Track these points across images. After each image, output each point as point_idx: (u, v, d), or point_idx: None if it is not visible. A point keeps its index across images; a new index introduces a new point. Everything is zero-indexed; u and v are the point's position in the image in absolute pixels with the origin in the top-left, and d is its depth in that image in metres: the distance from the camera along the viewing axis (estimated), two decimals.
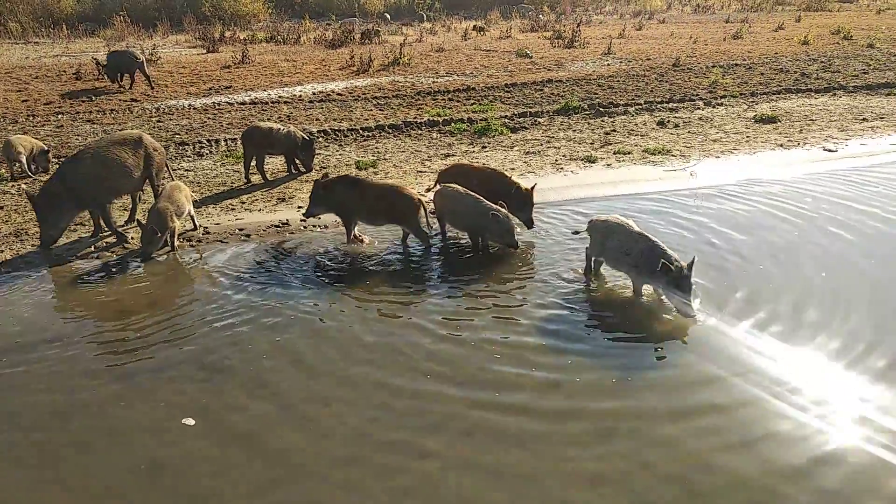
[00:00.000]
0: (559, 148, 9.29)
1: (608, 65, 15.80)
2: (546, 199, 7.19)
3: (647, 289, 5.02)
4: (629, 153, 8.93)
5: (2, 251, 6.17)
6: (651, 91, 12.74)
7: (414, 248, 6.19)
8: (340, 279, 5.56)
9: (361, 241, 6.30)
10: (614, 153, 8.95)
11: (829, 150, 8.98)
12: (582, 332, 4.66)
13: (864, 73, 14.21)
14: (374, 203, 6.10)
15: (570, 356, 4.34)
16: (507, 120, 10.75)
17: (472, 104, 11.98)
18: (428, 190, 6.77)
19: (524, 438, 3.58)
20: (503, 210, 5.83)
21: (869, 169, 8.14)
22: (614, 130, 10.15)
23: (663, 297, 4.83)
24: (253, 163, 8.07)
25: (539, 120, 10.84)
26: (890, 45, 18.02)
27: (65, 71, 15.12)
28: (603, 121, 10.77)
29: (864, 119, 10.59)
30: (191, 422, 3.75)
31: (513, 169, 8.39)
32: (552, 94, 12.66)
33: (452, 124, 10.55)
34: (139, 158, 6.49)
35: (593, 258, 5.37)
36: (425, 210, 6.22)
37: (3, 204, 7.38)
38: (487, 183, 6.28)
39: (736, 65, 15.34)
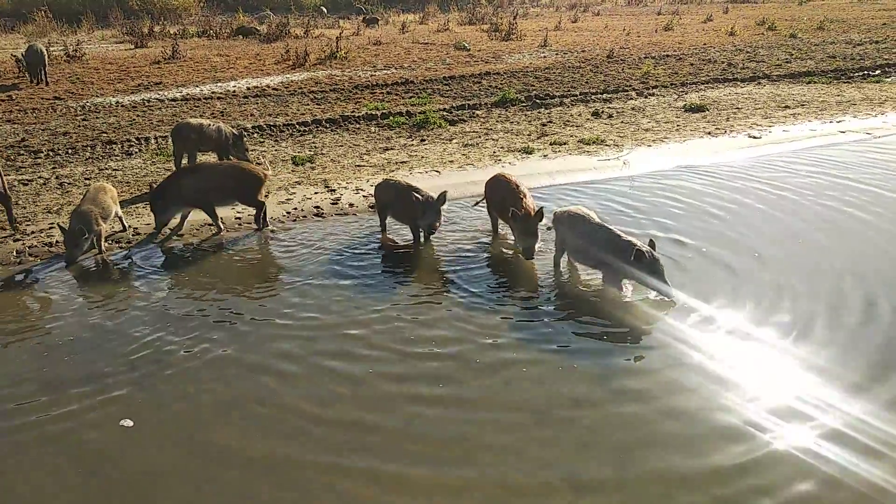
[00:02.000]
0: (497, 140, 9.36)
1: (544, 57, 16.01)
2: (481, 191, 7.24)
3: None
4: (565, 144, 9.08)
5: None
6: (586, 82, 12.98)
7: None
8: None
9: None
10: (551, 144, 9.08)
11: (754, 137, 9.34)
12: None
13: (787, 62, 14.82)
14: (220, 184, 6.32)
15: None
16: (445, 113, 10.76)
17: (411, 97, 11.96)
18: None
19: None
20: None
21: (789, 154, 8.52)
22: (550, 122, 10.30)
23: (633, 283, 4.85)
24: (184, 160, 7.85)
25: (477, 112, 10.90)
26: (811, 36, 18.84)
27: None
28: (539, 112, 10.91)
29: (786, 107, 11.04)
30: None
31: (451, 161, 8.42)
32: (490, 86, 12.75)
33: (391, 118, 10.50)
34: None
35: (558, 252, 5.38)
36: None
37: None
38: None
39: (667, 56, 15.77)
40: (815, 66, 14.31)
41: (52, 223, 6.51)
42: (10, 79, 13.49)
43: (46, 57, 12.95)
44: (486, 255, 5.84)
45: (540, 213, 5.38)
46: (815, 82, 12.89)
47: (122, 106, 11.26)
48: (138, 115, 10.65)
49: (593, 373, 4.06)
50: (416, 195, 5.74)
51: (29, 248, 6.05)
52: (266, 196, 6.61)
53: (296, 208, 7.02)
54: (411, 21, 24.63)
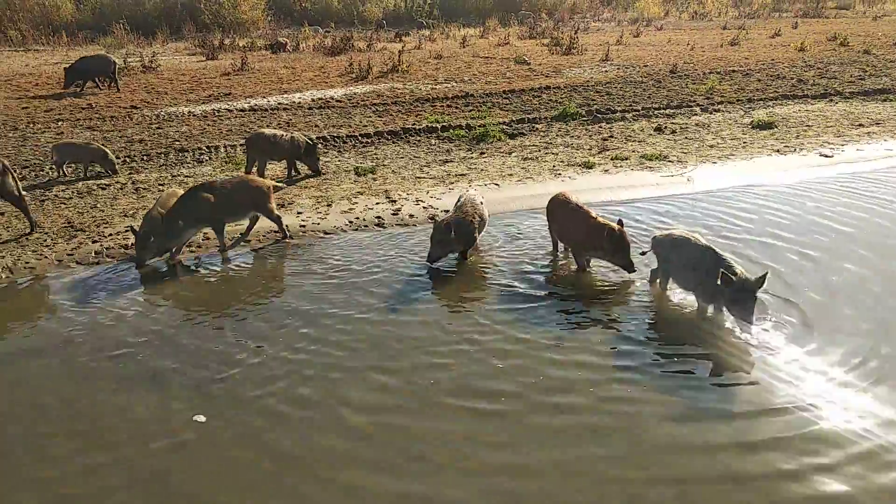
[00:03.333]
0: (557, 154, 9.34)
1: (606, 71, 15.88)
2: (544, 204, 7.23)
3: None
4: (627, 159, 8.98)
5: None
6: (648, 97, 12.81)
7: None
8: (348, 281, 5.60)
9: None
10: (612, 159, 8.99)
11: (826, 156, 9.03)
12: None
13: (861, 78, 14.29)
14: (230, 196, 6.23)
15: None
16: (505, 126, 10.80)
17: (471, 110, 12.05)
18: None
19: None
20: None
21: (865, 174, 8.20)
22: (612, 136, 10.21)
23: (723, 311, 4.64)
24: (254, 168, 8.12)
25: (537, 126, 10.90)
26: (886, 52, 18.11)
27: (63, 79, 15.14)
28: (601, 127, 10.83)
29: (860, 125, 10.65)
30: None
31: (511, 175, 8.44)
32: (550, 100, 12.73)
33: (451, 130, 10.60)
34: None
35: (659, 277, 5.19)
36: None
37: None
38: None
39: (733, 71, 15.42)
40: (891, 83, 13.75)
41: (129, 226, 6.83)
42: (89, 87, 14.21)
43: (115, 66, 13.98)
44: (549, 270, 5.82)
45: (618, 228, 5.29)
46: (890, 100, 12.39)
47: (194, 115, 11.71)
48: (209, 125, 11.06)
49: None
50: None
51: (107, 249, 6.36)
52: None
53: (357, 217, 7.16)
54: (471, 35, 24.81)
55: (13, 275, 5.87)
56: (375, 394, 4.06)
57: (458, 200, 6.16)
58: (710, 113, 11.69)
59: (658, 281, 5.23)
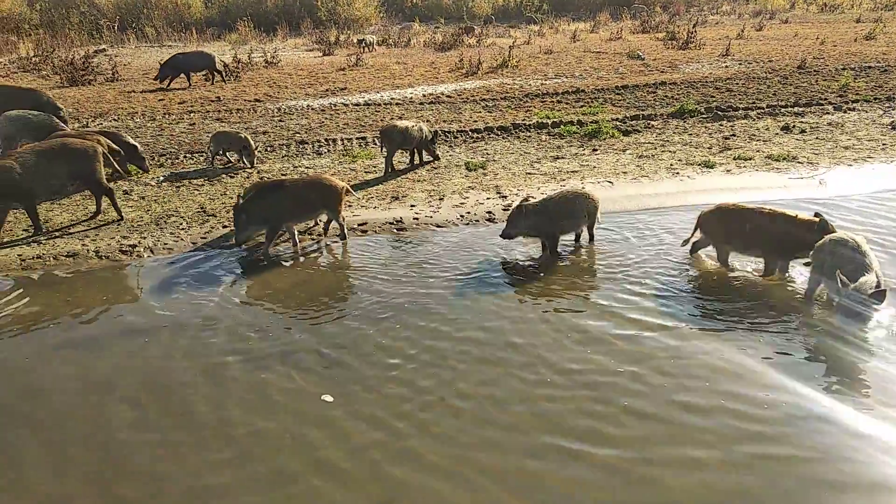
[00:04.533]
0: (674, 152, 9.02)
1: (726, 67, 15.15)
2: (662, 203, 7.04)
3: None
4: (750, 159, 8.54)
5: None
6: (774, 94, 12.11)
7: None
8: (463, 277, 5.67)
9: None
10: (734, 159, 8.58)
11: None
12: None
13: None
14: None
15: None
16: (618, 122, 10.55)
17: (582, 106, 11.85)
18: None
19: None
20: None
21: None
22: (734, 135, 9.73)
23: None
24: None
25: (652, 123, 10.56)
26: None
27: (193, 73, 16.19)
28: (721, 125, 10.35)
29: None
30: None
31: (625, 172, 8.24)
32: (666, 96, 12.30)
33: (562, 126, 10.47)
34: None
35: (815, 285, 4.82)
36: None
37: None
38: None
39: (869, 67, 14.30)
40: None
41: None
42: (217, 81, 15.11)
43: (215, 61, 15.24)
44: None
45: None
46: None
47: (313, 109, 12.19)
48: (326, 118, 11.49)
49: None
50: None
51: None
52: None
53: (469, 212, 7.22)
54: (582, 30, 24.38)
55: (153, 254, 6.34)
56: (485, 387, 4.09)
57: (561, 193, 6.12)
58: (844, 112, 10.90)
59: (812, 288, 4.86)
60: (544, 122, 10.74)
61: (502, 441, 3.60)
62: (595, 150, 9.34)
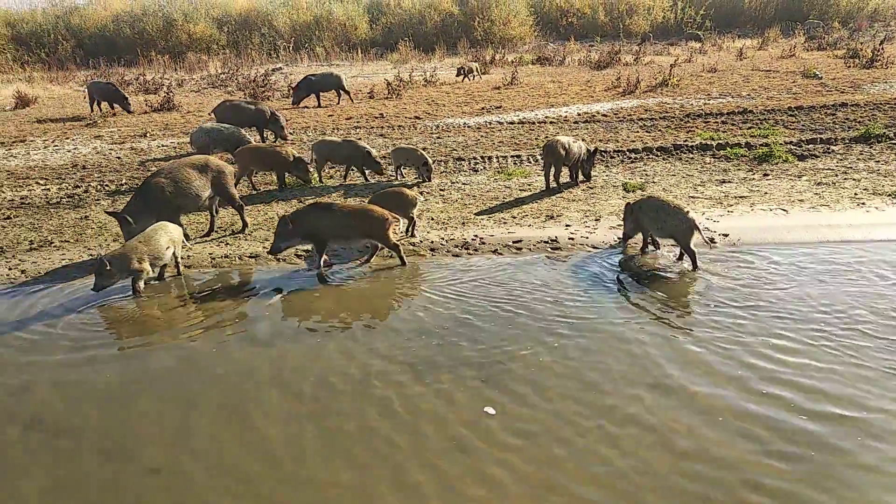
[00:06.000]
0: (858, 180, 8.26)
1: None
2: (844, 236, 6.48)
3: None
4: None
5: None
6: None
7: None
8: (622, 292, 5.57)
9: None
10: None
11: None
12: None
13: None
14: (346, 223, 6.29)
15: None
16: (792, 146, 9.85)
17: (750, 128, 11.20)
18: None
19: None
20: None
21: None
22: None
23: None
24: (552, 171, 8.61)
25: (832, 147, 9.76)
26: None
27: (360, 90, 17.23)
28: None
29: None
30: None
31: (801, 200, 7.67)
32: (847, 119, 11.31)
33: (727, 149, 9.96)
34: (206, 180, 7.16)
35: None
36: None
37: None
38: None
39: None
40: None
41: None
42: (379, 99, 15.95)
43: (343, 80, 15.94)
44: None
45: None
46: None
47: (469, 126, 12.51)
48: (482, 136, 11.74)
49: None
50: None
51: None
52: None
53: (626, 234, 7.06)
54: (748, 47, 23.10)
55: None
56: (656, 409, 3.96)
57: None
58: None
59: None
60: (708, 143, 10.27)
61: None
62: (766, 174, 8.78)
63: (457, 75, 18.39)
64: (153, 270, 6.05)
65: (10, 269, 6.77)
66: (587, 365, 4.53)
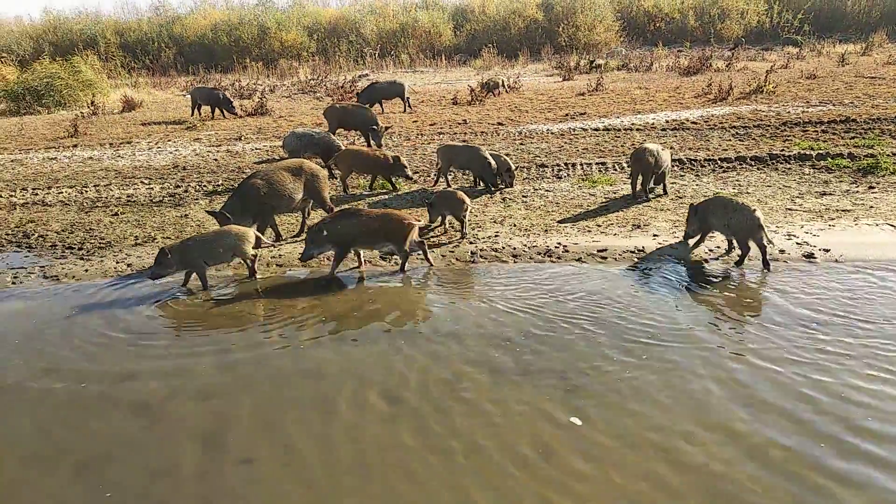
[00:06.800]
0: None
1: None
2: None
3: None
4: None
5: None
6: None
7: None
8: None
9: None
10: None
11: None
12: None
13: None
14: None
15: None
16: None
17: (853, 138, 10.59)
18: None
19: None
20: None
21: None
22: None
23: None
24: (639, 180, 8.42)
25: None
26: None
27: (444, 96, 17.40)
28: None
29: None
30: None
31: None
32: None
33: (829, 159, 9.46)
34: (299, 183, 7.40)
35: None
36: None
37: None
38: None
39: None
40: None
41: (497, 232, 7.56)
42: (462, 105, 16.05)
43: (406, 89, 15.87)
44: None
45: None
46: None
47: (552, 133, 12.41)
48: (565, 143, 11.62)
49: None
50: None
51: (480, 251, 7.09)
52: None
53: (718, 246, 6.83)
54: (851, 52, 21.86)
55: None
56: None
57: None
58: None
59: None
60: (807, 153, 9.79)
61: None
62: (871, 187, 8.29)
63: (481, 90, 16.82)
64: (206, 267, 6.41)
65: (117, 262, 7.23)
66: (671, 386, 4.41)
